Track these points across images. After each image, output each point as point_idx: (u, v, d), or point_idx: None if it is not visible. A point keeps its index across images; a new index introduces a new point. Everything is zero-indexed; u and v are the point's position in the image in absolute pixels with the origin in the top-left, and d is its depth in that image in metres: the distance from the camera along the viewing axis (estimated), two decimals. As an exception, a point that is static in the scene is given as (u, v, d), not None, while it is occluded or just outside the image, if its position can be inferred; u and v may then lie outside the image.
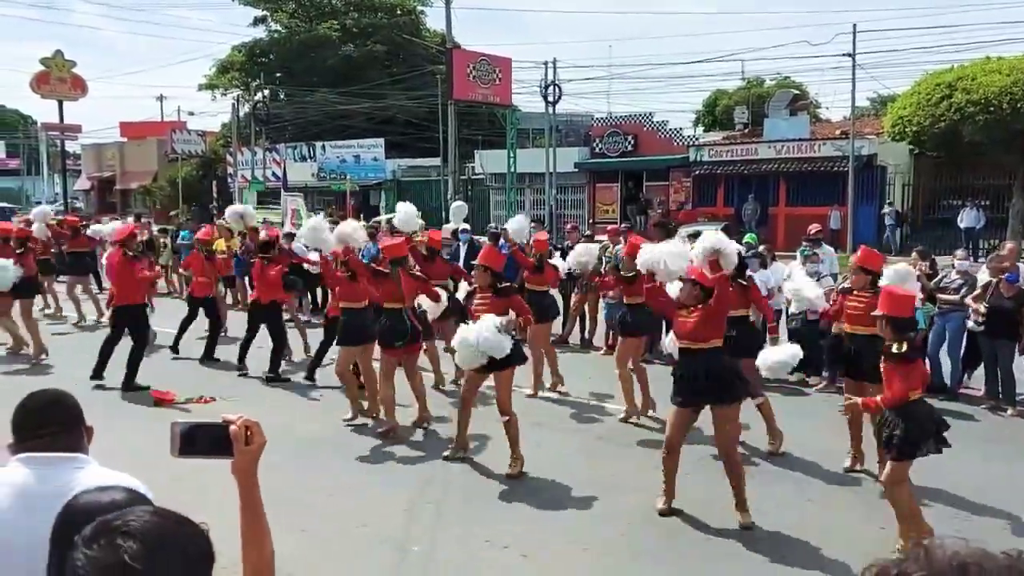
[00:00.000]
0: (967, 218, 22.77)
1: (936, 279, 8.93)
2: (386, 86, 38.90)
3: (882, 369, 5.11)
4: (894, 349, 4.96)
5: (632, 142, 30.12)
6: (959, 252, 9.10)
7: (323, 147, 38.06)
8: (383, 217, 23.76)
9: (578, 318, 12.11)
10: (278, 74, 42.26)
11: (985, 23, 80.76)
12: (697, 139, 31.19)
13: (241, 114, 38.24)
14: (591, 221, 29.76)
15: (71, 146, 51.20)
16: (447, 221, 14.60)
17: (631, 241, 8.34)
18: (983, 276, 8.65)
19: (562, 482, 6.41)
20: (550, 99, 29.38)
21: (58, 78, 43.56)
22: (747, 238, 11.47)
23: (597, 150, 31.08)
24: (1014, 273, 8.37)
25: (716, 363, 5.59)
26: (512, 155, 29.87)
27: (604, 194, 31.48)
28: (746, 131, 30.55)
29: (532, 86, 31.24)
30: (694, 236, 11.42)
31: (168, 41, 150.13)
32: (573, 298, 11.97)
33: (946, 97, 19.83)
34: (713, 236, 6.29)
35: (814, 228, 11.14)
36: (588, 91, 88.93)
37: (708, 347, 5.59)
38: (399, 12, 43.96)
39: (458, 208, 13.53)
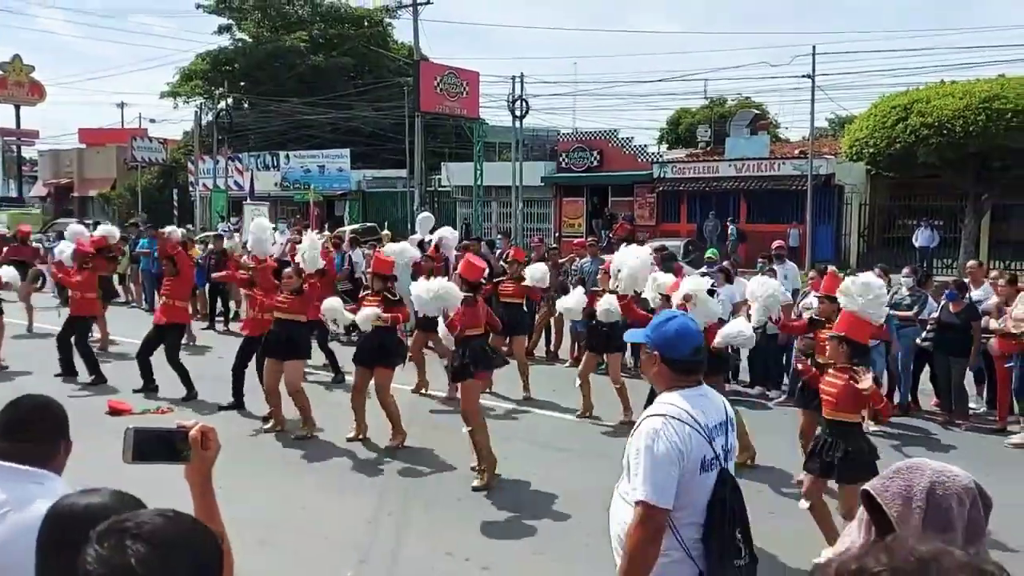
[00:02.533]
0: (921, 237, 23.35)
1: (890, 295, 9.14)
2: (352, 97, 38.78)
3: (834, 387, 5.23)
4: (861, 387, 5.05)
5: (598, 158, 30.40)
6: (905, 270, 9.35)
7: (287, 157, 37.79)
8: (347, 228, 23.64)
9: (543, 331, 12.19)
10: (243, 83, 41.91)
11: (939, 48, 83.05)
12: (661, 156, 31.60)
13: (204, 122, 37.85)
14: (557, 235, 29.93)
15: (28, 151, 50.15)
16: (413, 232, 14.60)
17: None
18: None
19: (523, 493, 6.45)
20: (517, 113, 29.55)
21: (16, 82, 42.61)
22: (708, 253, 11.67)
23: (563, 165, 31.31)
24: (952, 291, 8.62)
25: None
26: (479, 168, 29.96)
27: (570, 208, 31.68)
28: (708, 149, 31.01)
29: (500, 100, 31.33)
30: (658, 250, 11.66)
31: (131, 48, 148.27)
32: (538, 313, 12.04)
33: (902, 119, 20.30)
34: (693, 282, 6.56)
35: (776, 244, 11.37)
36: (555, 106, 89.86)
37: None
38: (367, 24, 43.90)
39: (424, 219, 13.53)
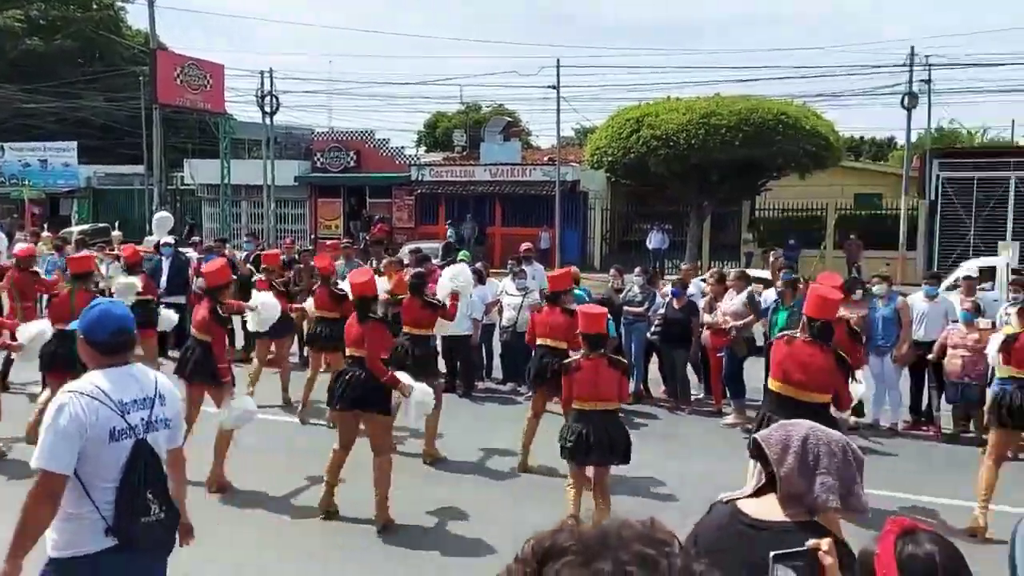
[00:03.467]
0: (654, 240, 25.56)
1: (623, 293, 9.92)
2: (80, 85, 35.25)
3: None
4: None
5: (354, 158, 30.04)
6: (636, 270, 10.17)
7: (1, 148, 33.59)
8: (74, 228, 21.46)
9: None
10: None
11: (668, 67, 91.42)
12: (419, 158, 31.88)
13: None
14: (313, 236, 29.19)
15: None
16: (151, 233, 13.54)
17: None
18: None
19: (426, 526, 6.01)
20: (267, 109, 28.45)
21: None
22: (460, 255, 11.95)
23: (318, 164, 30.58)
24: (678, 288, 9.52)
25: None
26: (226, 165, 28.45)
27: (326, 209, 31.02)
28: (464, 153, 31.78)
29: (248, 95, 29.96)
30: (415, 252, 11.75)
31: None
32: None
33: (635, 131, 22.02)
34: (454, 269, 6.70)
35: (525, 247, 11.88)
36: (309, 104, 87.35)
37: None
38: (95, 6, 40.11)
39: (161, 219, 12.58)
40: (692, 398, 9.70)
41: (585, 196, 28.47)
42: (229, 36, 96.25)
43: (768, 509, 2.12)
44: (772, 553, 1.77)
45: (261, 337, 9.14)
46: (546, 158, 29.89)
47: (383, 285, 9.27)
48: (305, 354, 10.57)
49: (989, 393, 6.95)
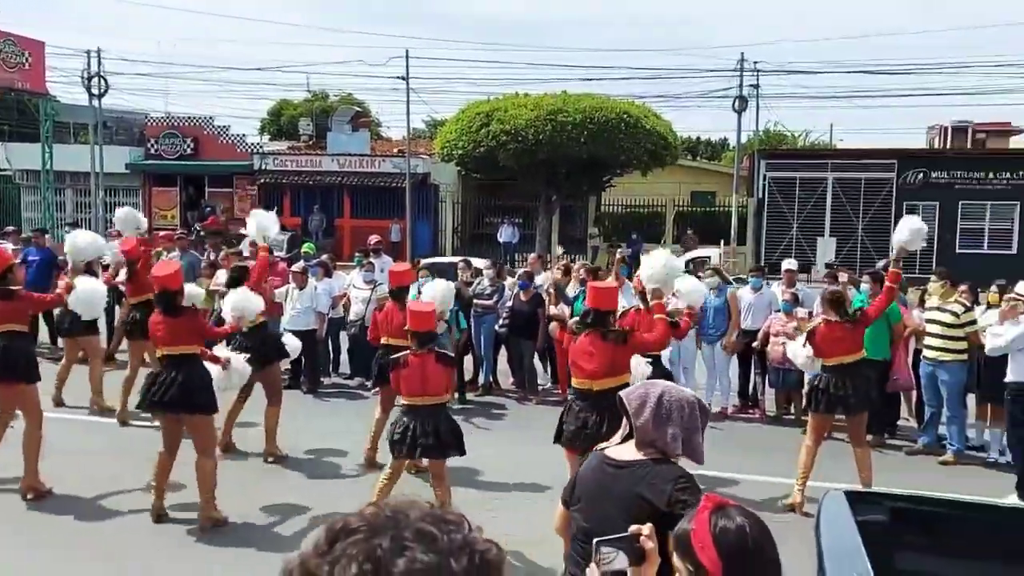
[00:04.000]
0: (504, 233, 25.90)
1: (473, 286, 10.00)
2: None
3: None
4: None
5: (192, 145, 28.57)
6: (486, 263, 10.33)
7: None
8: None
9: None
10: None
11: (517, 63, 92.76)
12: (262, 147, 30.73)
13: None
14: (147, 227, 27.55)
15: None
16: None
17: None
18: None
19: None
20: (94, 91, 26.57)
21: None
22: (305, 248, 11.68)
23: (153, 151, 28.88)
24: (525, 281, 9.73)
25: None
26: (47, 150, 26.31)
27: (162, 199, 29.37)
28: (311, 143, 30.95)
29: (74, 75, 27.84)
30: (255, 244, 11.34)
31: None
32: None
33: (484, 125, 22.23)
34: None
35: (373, 239, 11.75)
36: (143, 87, 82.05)
37: None
38: None
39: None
40: (539, 388, 9.93)
41: (436, 189, 28.44)
42: (54, 13, 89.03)
43: (629, 452, 2.55)
44: (596, 540, 1.85)
45: (70, 335, 8.67)
46: (396, 150, 29.62)
47: (222, 277, 8.93)
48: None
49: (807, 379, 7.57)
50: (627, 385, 5.30)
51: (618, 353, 5.27)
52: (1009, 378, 6.91)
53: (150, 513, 5.83)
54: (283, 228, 24.69)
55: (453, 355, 6.06)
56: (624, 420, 2.61)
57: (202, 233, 10.81)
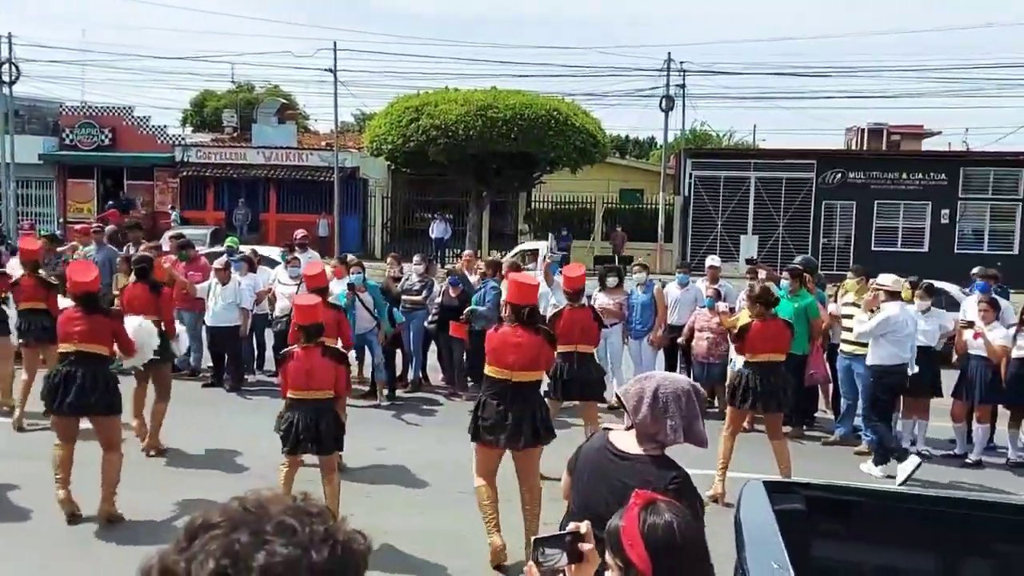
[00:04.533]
0: (436, 229, 25.77)
1: (402, 282, 9.92)
2: None
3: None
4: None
5: (110, 136, 27.58)
6: (416, 258, 10.24)
7: None
8: None
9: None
10: None
11: (446, 57, 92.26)
12: (184, 139, 29.86)
13: None
14: (62, 220, 26.53)
15: None
16: None
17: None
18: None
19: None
20: (5, 78, 25.41)
21: None
22: (228, 241, 11.40)
23: (68, 141, 27.77)
24: (455, 277, 9.69)
25: None
26: (-48, 139, 25.09)
27: (78, 191, 28.27)
28: (235, 135, 30.21)
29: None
30: (176, 237, 11.01)
31: None
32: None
33: (414, 120, 22.04)
34: None
35: (300, 234, 11.55)
36: (58, 75, 78.61)
37: None
38: None
39: None
40: (469, 384, 9.90)
41: (365, 183, 28.10)
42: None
43: (631, 443, 2.64)
44: (534, 537, 1.84)
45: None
46: (324, 143, 29.15)
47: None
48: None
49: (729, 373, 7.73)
50: (539, 383, 5.45)
51: (543, 350, 5.29)
52: (871, 361, 7.52)
53: (62, 507, 5.67)
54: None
55: (345, 351, 6.00)
56: (625, 415, 2.70)
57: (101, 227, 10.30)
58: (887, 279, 7.78)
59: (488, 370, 5.34)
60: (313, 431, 5.33)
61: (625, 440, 2.67)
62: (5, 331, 8.48)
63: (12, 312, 8.53)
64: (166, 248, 10.64)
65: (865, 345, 8.00)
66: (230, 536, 0.88)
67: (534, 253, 16.32)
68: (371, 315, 9.07)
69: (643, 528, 1.79)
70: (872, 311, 7.54)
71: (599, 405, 7.60)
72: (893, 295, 7.58)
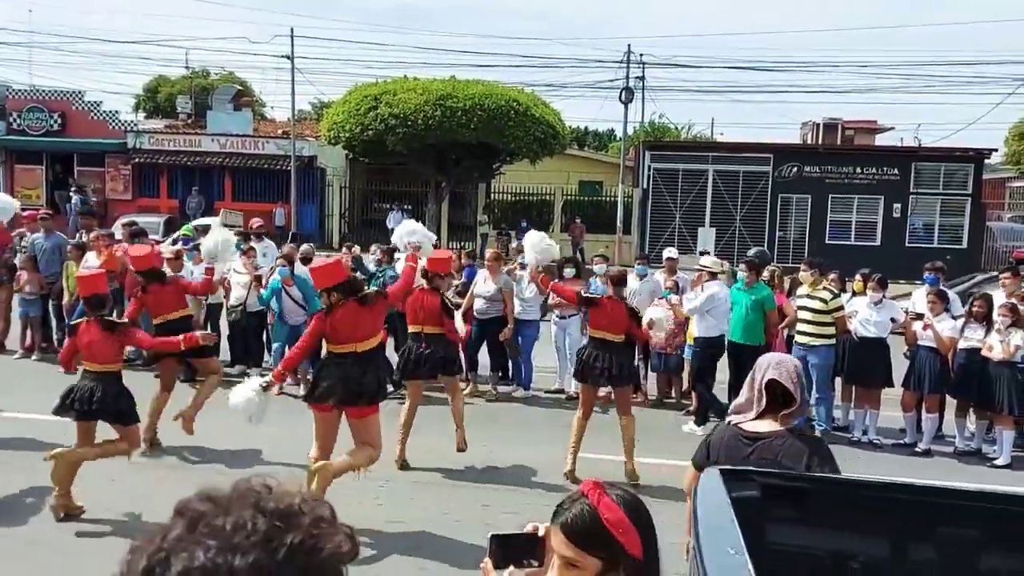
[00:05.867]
0: (394, 220, 25.56)
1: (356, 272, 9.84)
2: None
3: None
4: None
5: (59, 121, 26.87)
6: (373, 247, 10.23)
7: None
8: None
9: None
10: None
11: (405, 46, 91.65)
12: (136, 125, 29.21)
13: None
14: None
15: None
16: None
17: None
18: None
19: None
20: (-53, 59, 24.58)
21: None
22: (183, 230, 11.19)
23: (15, 126, 27.00)
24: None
25: None
26: None
27: (26, 177, 27.54)
28: (190, 121, 29.65)
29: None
30: (128, 225, 10.77)
31: None
32: None
33: (373, 108, 21.84)
34: None
35: (256, 223, 11.39)
36: (5, 58, 76.41)
37: None
38: None
39: None
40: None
41: (323, 172, 27.79)
42: None
43: (762, 425, 2.97)
44: (491, 533, 1.77)
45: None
46: (280, 131, 28.74)
47: (92, 260, 8.45)
48: None
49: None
50: (378, 348, 5.79)
51: (364, 317, 5.60)
52: (697, 334, 8.42)
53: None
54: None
55: (119, 321, 6.04)
56: (752, 398, 3.02)
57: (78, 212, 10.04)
58: (708, 261, 8.80)
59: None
60: (98, 402, 5.49)
61: (754, 425, 2.99)
62: None
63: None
64: (118, 236, 10.40)
65: (822, 336, 8.15)
66: (173, 533, 0.83)
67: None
68: (301, 308, 9.04)
69: (628, 512, 1.68)
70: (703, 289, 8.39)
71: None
72: (713, 275, 8.50)
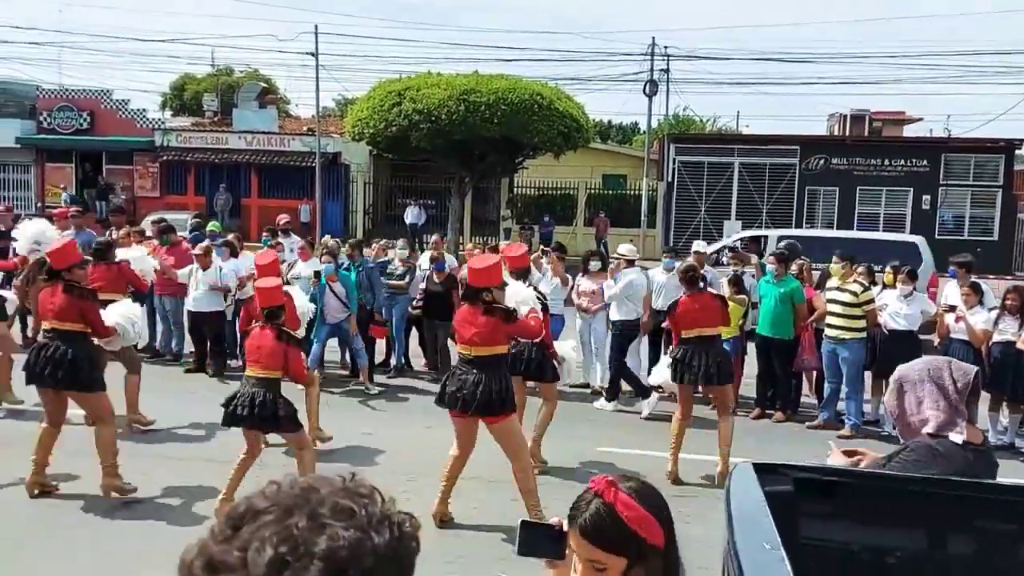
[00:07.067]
0: (411, 215, 25.71)
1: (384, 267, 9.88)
2: None
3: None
4: None
5: (88, 119, 27.20)
6: (400, 242, 10.22)
7: None
8: None
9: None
10: None
11: (431, 41, 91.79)
12: (164, 123, 29.51)
13: None
14: (40, 204, 26.20)
15: None
16: None
17: None
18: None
19: None
20: (-21, 60, 24.98)
21: None
22: (211, 226, 11.29)
23: (45, 125, 27.38)
24: (440, 262, 9.66)
25: None
26: (-74, 122, 24.68)
27: (56, 175, 27.92)
28: (216, 119, 29.90)
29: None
30: (158, 222, 10.88)
31: None
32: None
33: (396, 104, 21.81)
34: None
35: (283, 219, 11.47)
36: (34, 57, 77.47)
37: None
38: None
39: None
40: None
41: (347, 169, 27.91)
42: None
43: (973, 435, 2.80)
44: (521, 519, 1.78)
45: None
46: (305, 128, 28.90)
47: (132, 253, 8.64)
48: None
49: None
50: (502, 356, 5.67)
51: (497, 327, 5.54)
52: (615, 317, 8.87)
53: (27, 487, 5.74)
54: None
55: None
56: (947, 403, 2.79)
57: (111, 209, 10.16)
58: (625, 249, 9.31)
59: (459, 349, 5.74)
60: (258, 408, 5.41)
61: (973, 434, 2.82)
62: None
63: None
64: (149, 233, 10.53)
65: (850, 329, 8.07)
66: (285, 522, 0.82)
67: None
68: (343, 304, 8.97)
69: (647, 507, 1.64)
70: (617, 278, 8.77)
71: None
72: (630, 263, 9.03)
